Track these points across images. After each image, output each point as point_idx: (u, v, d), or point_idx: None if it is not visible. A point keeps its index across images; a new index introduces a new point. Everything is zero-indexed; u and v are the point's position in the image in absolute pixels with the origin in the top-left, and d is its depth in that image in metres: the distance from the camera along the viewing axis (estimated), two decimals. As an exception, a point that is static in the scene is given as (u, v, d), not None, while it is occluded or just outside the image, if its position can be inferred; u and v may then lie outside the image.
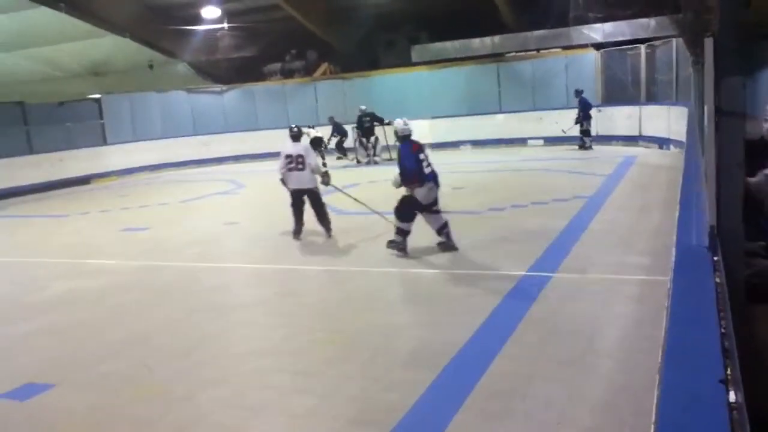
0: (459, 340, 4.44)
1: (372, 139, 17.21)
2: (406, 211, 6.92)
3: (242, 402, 3.90)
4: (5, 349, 5.22)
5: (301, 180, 8.05)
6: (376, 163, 17.03)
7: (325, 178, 8.22)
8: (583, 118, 16.17)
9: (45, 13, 17.74)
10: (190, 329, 5.33)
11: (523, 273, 5.94)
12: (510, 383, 3.80)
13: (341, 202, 9.32)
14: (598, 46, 18.14)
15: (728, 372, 1.45)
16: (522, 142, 18.31)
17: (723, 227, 2.55)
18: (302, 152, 8.06)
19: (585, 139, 16.24)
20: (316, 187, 8.14)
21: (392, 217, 7.07)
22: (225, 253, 8.17)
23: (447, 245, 7.03)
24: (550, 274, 5.85)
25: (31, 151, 17.28)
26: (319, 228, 8.25)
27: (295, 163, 8.01)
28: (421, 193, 6.82)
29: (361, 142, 17.44)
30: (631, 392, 3.54)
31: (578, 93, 16.30)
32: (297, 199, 8.17)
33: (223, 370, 4.42)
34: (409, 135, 7.09)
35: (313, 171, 8.02)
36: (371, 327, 4.99)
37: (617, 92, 17.66)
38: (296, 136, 8.34)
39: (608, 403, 3.49)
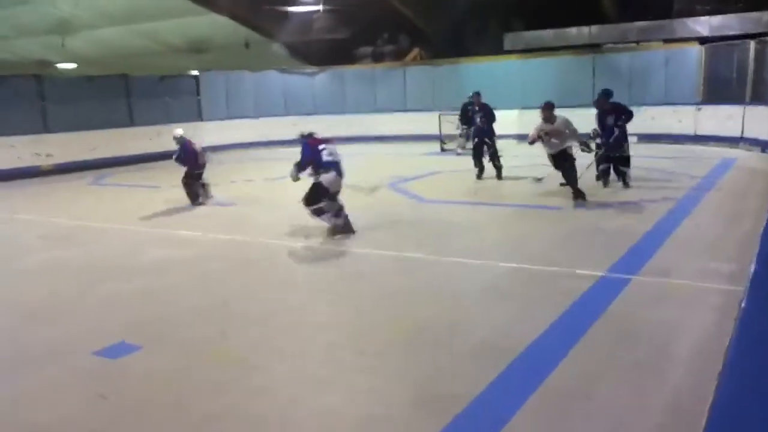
0: (528, 337, 4.41)
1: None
2: (313, 196, 7.61)
3: (308, 373, 4.06)
4: (100, 309, 5.58)
5: None
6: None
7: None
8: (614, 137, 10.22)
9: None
10: (264, 302, 5.55)
11: (602, 274, 5.81)
12: (576, 383, 3.76)
13: (422, 191, 9.31)
14: (702, 41, 17.27)
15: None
16: (614, 137, 17.68)
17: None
18: None
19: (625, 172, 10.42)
20: None
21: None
22: (303, 232, 8.37)
23: (346, 227, 7.74)
24: (630, 277, 5.70)
25: (131, 123, 18.18)
26: (400, 214, 8.32)
27: None
28: (327, 179, 7.50)
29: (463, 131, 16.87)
30: (700, 402, 3.44)
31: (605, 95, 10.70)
32: None
33: (290, 344, 4.60)
34: (311, 134, 7.87)
35: None
36: (439, 316, 5.02)
37: (720, 90, 16.76)
38: None
39: (674, 410, 3.41)
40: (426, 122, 18.68)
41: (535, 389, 3.69)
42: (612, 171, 10.39)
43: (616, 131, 10.19)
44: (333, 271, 6.75)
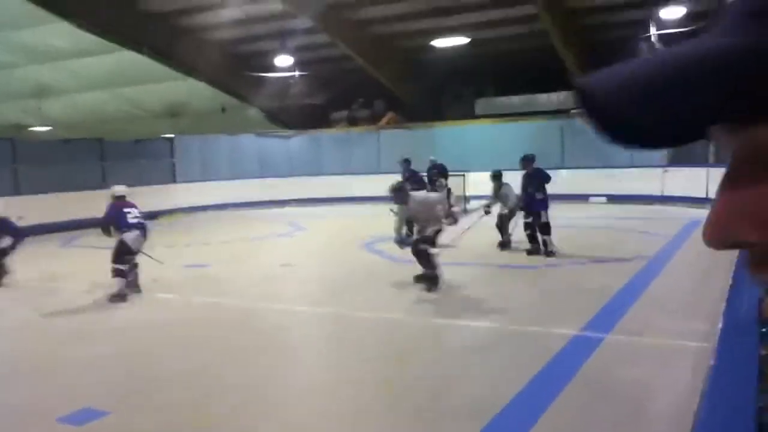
0: (506, 395, 4.40)
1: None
2: (117, 254, 8.08)
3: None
4: (67, 373, 5.45)
5: None
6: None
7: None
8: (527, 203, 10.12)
9: (129, 55, 18.84)
10: (244, 366, 5.46)
11: (577, 333, 5.84)
12: (554, 444, 3.74)
13: (396, 251, 9.36)
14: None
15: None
16: (584, 198, 18.07)
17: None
18: None
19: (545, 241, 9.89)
20: None
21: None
22: (280, 294, 8.32)
23: (132, 287, 8.23)
24: (603, 335, 5.74)
25: (105, 185, 18.10)
26: (377, 274, 8.32)
27: None
28: (129, 238, 8.06)
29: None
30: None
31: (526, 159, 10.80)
32: None
33: (274, 408, 4.52)
34: (122, 196, 8.52)
35: None
36: (419, 377, 5.00)
37: (683, 152, 17.27)
38: None
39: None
40: (400, 184, 18.88)
41: (513, 449, 3.67)
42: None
43: (527, 198, 10.03)
44: (312, 333, 6.70)
